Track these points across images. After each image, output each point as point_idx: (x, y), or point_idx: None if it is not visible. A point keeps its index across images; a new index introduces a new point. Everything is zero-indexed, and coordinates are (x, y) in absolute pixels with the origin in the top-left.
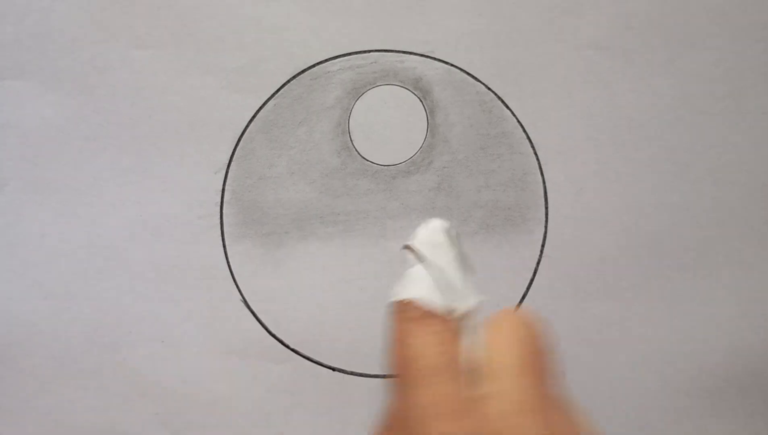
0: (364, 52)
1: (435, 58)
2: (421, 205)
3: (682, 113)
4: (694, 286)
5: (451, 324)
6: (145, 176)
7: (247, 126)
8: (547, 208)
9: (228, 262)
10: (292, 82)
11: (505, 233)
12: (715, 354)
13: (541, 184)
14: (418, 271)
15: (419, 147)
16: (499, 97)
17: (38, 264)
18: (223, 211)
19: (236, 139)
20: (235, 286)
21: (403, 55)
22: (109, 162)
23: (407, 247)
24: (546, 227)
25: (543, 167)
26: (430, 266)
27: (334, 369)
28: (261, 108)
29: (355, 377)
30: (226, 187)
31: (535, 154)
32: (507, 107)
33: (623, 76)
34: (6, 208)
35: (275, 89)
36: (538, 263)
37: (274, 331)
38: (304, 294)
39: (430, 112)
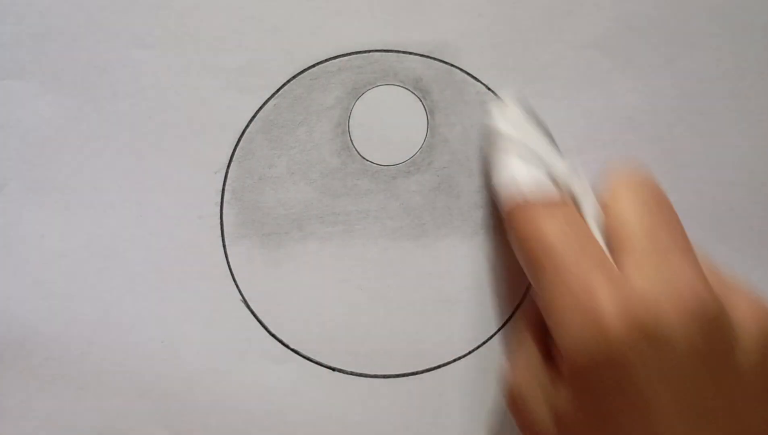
0: (364, 52)
1: (435, 58)
2: (421, 205)
3: (682, 113)
4: None
5: (565, 198)
6: (145, 176)
7: (247, 126)
8: None
9: (228, 262)
10: (292, 82)
11: (506, 233)
12: None
13: None
14: (509, 157)
15: (419, 147)
16: (499, 98)
17: (38, 264)
18: (223, 211)
19: (236, 139)
20: (235, 286)
21: (403, 55)
22: (109, 162)
23: (495, 129)
24: None
25: None
26: (519, 145)
27: (334, 369)
28: (261, 108)
29: (355, 377)
30: (226, 187)
31: None
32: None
33: (623, 76)
34: (6, 208)
35: (275, 89)
36: None
37: (274, 331)
38: (304, 294)
39: (430, 112)
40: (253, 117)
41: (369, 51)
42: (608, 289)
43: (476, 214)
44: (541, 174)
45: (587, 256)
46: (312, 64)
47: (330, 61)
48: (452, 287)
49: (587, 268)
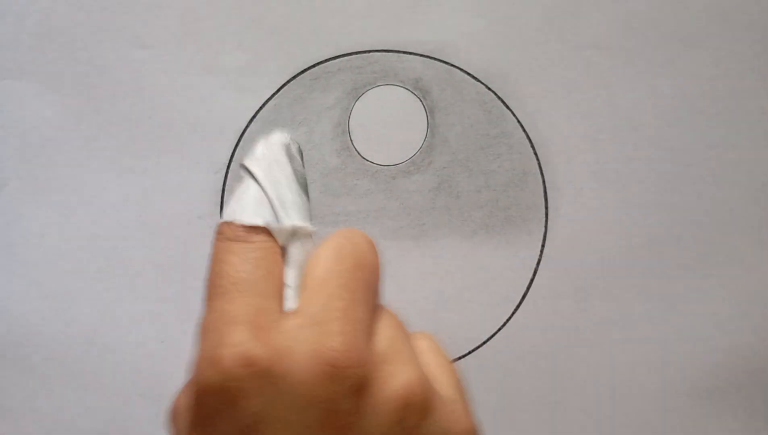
0: (364, 52)
1: (435, 58)
2: (421, 205)
3: (682, 113)
4: (694, 286)
5: (270, 241)
6: (145, 176)
7: (247, 126)
8: (547, 208)
9: None
10: (292, 82)
11: (505, 233)
12: (715, 354)
13: (541, 184)
14: (246, 188)
15: (419, 147)
16: (499, 97)
17: (38, 264)
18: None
19: (236, 139)
20: None
21: (403, 55)
22: (109, 162)
23: (242, 165)
24: (546, 227)
25: (543, 167)
26: (261, 183)
27: None
28: (261, 108)
29: None
30: (226, 187)
31: (535, 154)
32: (507, 107)
33: (623, 76)
34: (6, 208)
35: (275, 89)
36: (538, 263)
37: None
38: None
39: (430, 112)
40: (253, 117)
41: (369, 51)
42: (250, 326)
43: (476, 214)
44: (260, 209)
45: (251, 292)
46: (312, 64)
47: (330, 61)
48: (452, 287)
49: (242, 303)
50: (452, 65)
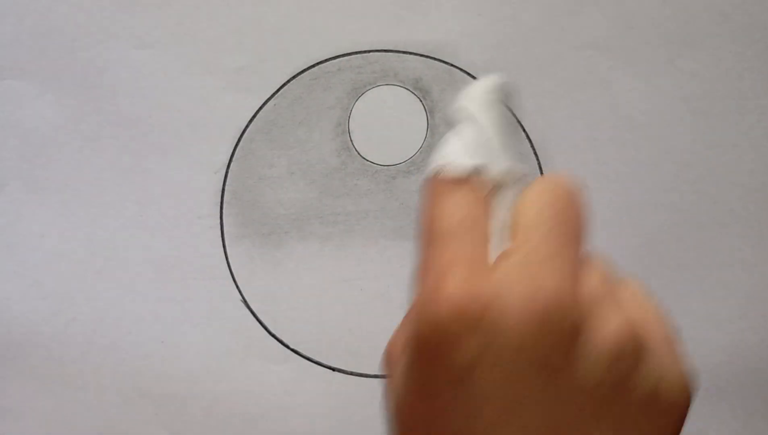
0: (364, 52)
1: (435, 58)
2: None
3: (682, 113)
4: (694, 286)
5: (481, 186)
6: (145, 176)
7: (247, 126)
8: None
9: (228, 262)
10: (292, 82)
11: None
12: (715, 354)
13: None
14: (458, 131)
15: (419, 147)
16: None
17: (38, 264)
18: (223, 211)
19: (236, 139)
20: (235, 286)
21: (403, 55)
22: (109, 162)
23: (457, 107)
24: None
25: (543, 167)
26: (471, 126)
27: (334, 369)
28: (261, 108)
29: (355, 377)
30: (226, 187)
31: (535, 154)
32: (507, 107)
33: (623, 76)
34: (6, 208)
35: (275, 89)
36: None
37: (274, 331)
38: (304, 294)
39: (430, 112)
40: (253, 117)
41: (369, 51)
42: (465, 272)
43: None
44: (469, 154)
45: (464, 238)
46: (312, 64)
47: (330, 61)
48: None
49: (457, 249)
50: (452, 65)
